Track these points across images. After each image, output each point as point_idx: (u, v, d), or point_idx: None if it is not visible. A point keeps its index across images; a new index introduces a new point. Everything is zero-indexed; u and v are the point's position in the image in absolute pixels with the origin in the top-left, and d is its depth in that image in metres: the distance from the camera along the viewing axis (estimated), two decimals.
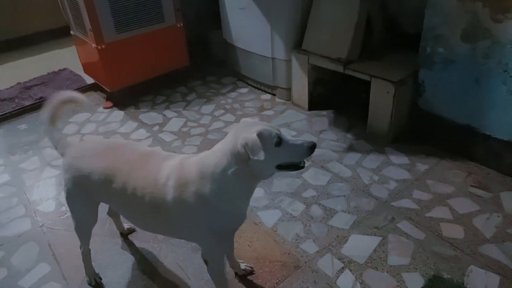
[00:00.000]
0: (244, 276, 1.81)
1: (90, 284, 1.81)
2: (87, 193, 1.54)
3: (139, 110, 3.39)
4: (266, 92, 3.54)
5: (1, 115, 3.37)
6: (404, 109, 2.67)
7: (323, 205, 2.21)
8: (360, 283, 1.75)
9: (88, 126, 3.18)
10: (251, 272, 1.82)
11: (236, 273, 1.81)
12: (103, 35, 3.05)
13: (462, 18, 2.19)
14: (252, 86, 3.65)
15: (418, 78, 2.57)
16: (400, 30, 2.93)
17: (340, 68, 2.78)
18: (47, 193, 2.45)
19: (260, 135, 1.22)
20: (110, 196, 1.50)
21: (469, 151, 2.46)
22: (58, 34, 5.04)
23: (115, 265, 1.93)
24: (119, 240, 2.07)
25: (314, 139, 2.80)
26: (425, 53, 2.46)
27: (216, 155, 1.31)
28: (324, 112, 3.15)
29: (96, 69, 3.37)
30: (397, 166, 2.48)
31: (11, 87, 3.84)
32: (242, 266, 1.81)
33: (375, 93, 2.64)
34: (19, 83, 3.90)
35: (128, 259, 1.96)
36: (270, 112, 3.24)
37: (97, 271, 1.85)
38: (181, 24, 3.50)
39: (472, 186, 2.28)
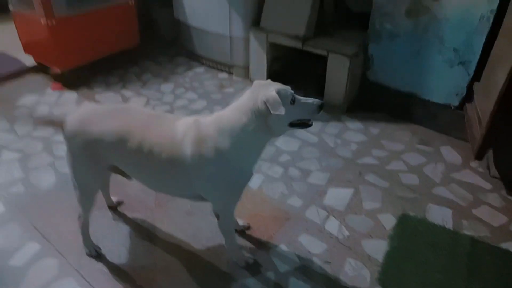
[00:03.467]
0: (242, 232, 1.95)
1: (90, 255, 1.80)
2: (96, 157, 1.53)
3: (92, 90, 3.26)
4: (222, 70, 3.64)
5: None
6: (355, 81, 3.00)
7: (298, 167, 2.42)
8: (344, 226, 2.00)
9: (40, 108, 2.98)
10: (248, 228, 1.96)
11: (235, 229, 1.94)
12: (54, 10, 2.87)
13: None
14: (208, 66, 3.72)
15: (367, 52, 2.90)
16: (347, 9, 3.25)
17: (298, 45, 3.01)
18: (12, 176, 2.29)
19: (278, 92, 1.35)
20: (123, 156, 1.51)
21: (412, 114, 2.87)
22: None
23: (112, 235, 1.93)
24: (108, 213, 2.06)
25: None
26: (374, 29, 2.79)
27: (234, 113, 1.41)
28: None
29: (43, 48, 3.15)
30: (354, 131, 2.80)
31: None
32: (240, 222, 1.95)
33: (331, 67, 2.92)
34: None
35: (124, 228, 1.97)
36: (231, 89, 3.36)
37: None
38: (133, 2, 3.42)
39: (417, 143, 2.68)
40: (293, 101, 1.38)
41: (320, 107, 1.42)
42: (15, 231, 1.94)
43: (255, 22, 3.23)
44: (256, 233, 1.96)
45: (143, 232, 1.96)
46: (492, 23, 2.31)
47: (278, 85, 1.41)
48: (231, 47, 3.41)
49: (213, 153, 1.42)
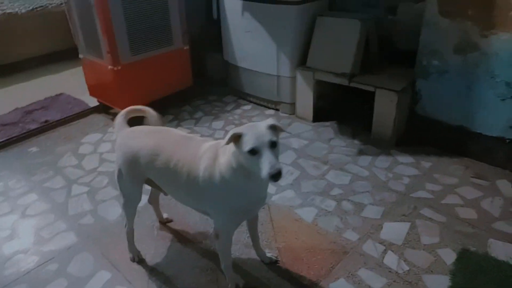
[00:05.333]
0: (273, 264, 1.99)
1: (133, 261, 2.00)
2: (135, 169, 1.76)
3: None
4: (269, 107, 3.79)
5: (9, 139, 3.33)
6: (404, 115, 3.03)
7: (351, 200, 2.45)
8: (403, 261, 1.99)
9: (103, 146, 3.23)
10: (277, 261, 2.00)
11: (262, 261, 2.00)
12: (120, 57, 3.18)
13: (454, 34, 2.61)
14: (255, 103, 3.90)
15: (415, 87, 2.95)
16: (391, 47, 3.35)
17: (345, 82, 3.11)
18: (83, 208, 2.48)
19: (244, 135, 1.37)
20: (155, 169, 1.71)
21: (464, 148, 2.84)
22: (47, 60, 5.06)
23: (156, 246, 2.04)
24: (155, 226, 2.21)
25: (324, 146, 3.08)
26: (421, 65, 2.85)
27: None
28: (328, 123, 3.45)
29: (107, 91, 3.45)
30: (405, 165, 2.80)
31: (10, 112, 3.80)
32: (268, 254, 2.00)
33: (379, 102, 2.98)
34: (17, 108, 3.87)
35: (167, 238, 2.13)
36: None
37: None
38: (187, 47, 3.71)
39: (472, 177, 2.64)
40: (252, 152, 1.35)
41: (273, 176, 1.31)
42: (88, 260, 2.08)
43: (301, 61, 3.39)
44: (314, 266, 1.99)
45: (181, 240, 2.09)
46: None
47: (253, 129, 1.38)
48: (278, 86, 3.58)
49: (217, 174, 1.53)
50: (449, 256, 2.00)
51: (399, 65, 3.20)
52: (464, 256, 1.99)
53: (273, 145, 1.36)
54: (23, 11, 4.78)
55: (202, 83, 4.27)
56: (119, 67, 3.21)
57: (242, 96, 4.00)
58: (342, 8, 3.55)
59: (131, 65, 3.29)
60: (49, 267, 2.05)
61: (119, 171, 1.82)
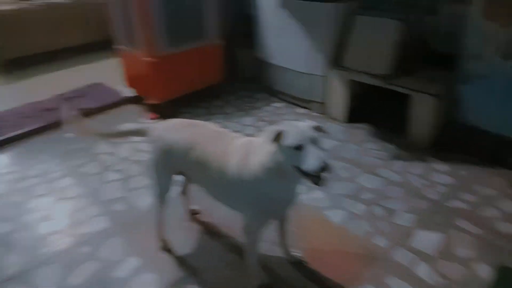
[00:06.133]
0: (298, 264, 1.96)
1: (162, 250, 2.05)
2: (169, 161, 1.79)
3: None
4: (300, 106, 3.76)
5: (48, 124, 3.45)
6: (441, 120, 2.93)
7: (382, 206, 2.39)
8: (436, 273, 1.92)
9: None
10: (304, 262, 1.97)
11: (288, 260, 1.98)
12: (156, 49, 3.23)
13: (500, 38, 2.48)
14: (286, 101, 3.87)
15: (455, 92, 2.83)
16: (429, 49, 3.23)
17: (381, 83, 3.03)
18: (116, 194, 2.55)
19: (286, 132, 1.39)
20: (188, 163, 1.73)
21: (504, 158, 2.71)
22: (87, 50, 5.23)
23: (186, 236, 2.06)
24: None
25: (357, 148, 3.01)
26: (463, 70, 2.74)
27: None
28: (360, 125, 3.38)
29: (144, 82, 3.52)
30: (440, 173, 2.71)
31: (50, 98, 3.95)
32: (294, 254, 1.98)
33: (416, 106, 2.89)
34: (57, 94, 4.01)
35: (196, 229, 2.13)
36: None
37: None
38: (221, 42, 3.72)
39: (510, 189, 2.51)
40: (297, 148, 1.36)
41: (321, 169, 1.31)
42: (119, 245, 2.13)
43: (334, 60, 3.33)
44: (340, 269, 1.95)
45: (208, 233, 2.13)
46: None
47: (296, 126, 1.40)
48: (310, 84, 3.54)
49: (248, 174, 1.52)
50: (485, 272, 1.92)
51: (436, 68, 3.08)
52: (504, 274, 1.90)
53: (317, 142, 1.38)
54: (66, 1, 4.96)
55: (233, 79, 4.28)
56: (156, 59, 3.26)
57: (274, 94, 3.98)
58: (378, 8, 3.44)
59: (167, 57, 3.33)
60: (82, 249, 2.12)
61: (154, 161, 1.85)
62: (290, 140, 1.37)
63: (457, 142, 2.93)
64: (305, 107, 3.71)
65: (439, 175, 2.68)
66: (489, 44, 2.55)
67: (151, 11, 3.06)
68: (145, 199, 2.49)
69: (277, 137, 1.40)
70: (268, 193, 1.55)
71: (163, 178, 1.89)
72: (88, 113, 3.65)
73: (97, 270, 1.98)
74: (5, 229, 2.28)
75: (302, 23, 3.35)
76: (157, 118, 3.55)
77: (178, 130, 1.81)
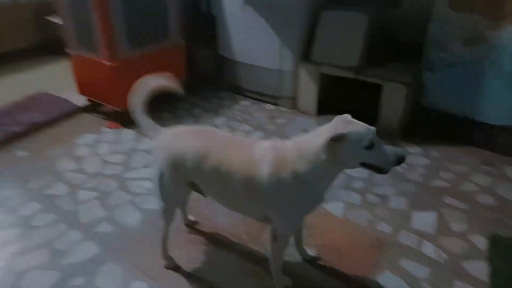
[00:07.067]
0: (313, 262, 1.95)
1: (169, 268, 1.89)
2: (179, 172, 1.64)
3: None
4: (269, 102, 3.73)
5: None
6: (409, 107, 3.09)
7: (375, 193, 2.46)
8: (440, 249, 2.02)
9: (101, 147, 3.02)
10: (319, 258, 1.96)
11: (304, 259, 1.95)
12: (118, 52, 2.98)
13: (463, 27, 2.68)
14: (253, 98, 3.82)
15: (421, 80, 3.01)
16: (394, 40, 3.40)
17: (352, 75, 3.12)
18: (96, 214, 2.30)
19: (350, 134, 1.35)
20: (203, 173, 1.59)
21: (469, 137, 2.95)
22: (28, 55, 4.68)
23: (188, 250, 1.95)
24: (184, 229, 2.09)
25: None
26: (429, 58, 2.91)
27: (314, 140, 1.43)
28: (331, 116, 3.42)
29: (102, 88, 3.23)
30: (415, 155, 2.86)
31: None
32: (310, 252, 1.96)
33: (387, 94, 3.02)
34: None
35: (198, 241, 2.04)
36: (282, 120, 3.44)
37: None
38: (183, 41, 3.55)
39: (481, 165, 2.74)
40: (369, 147, 1.36)
41: (398, 162, 1.38)
42: (116, 271, 1.92)
43: (304, 55, 3.36)
44: (356, 260, 1.97)
45: (214, 243, 2.03)
46: None
47: (358, 126, 1.39)
48: (279, 80, 3.52)
49: (290, 175, 1.46)
50: (481, 242, 2.06)
51: (403, 58, 3.25)
52: (496, 241, 2.06)
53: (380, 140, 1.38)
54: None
55: (195, 79, 4.12)
56: (117, 63, 3.01)
57: (239, 92, 3.90)
58: (343, 2, 3.54)
59: (128, 60, 3.09)
60: (73, 282, 1.87)
61: (161, 174, 1.68)
62: (362, 141, 1.34)
63: (424, 126, 3.12)
64: (274, 103, 3.70)
65: (416, 158, 2.83)
66: (452, 32, 2.74)
67: (112, 11, 2.80)
68: (133, 216, 2.28)
69: (337, 140, 1.34)
70: (311, 196, 1.50)
71: (172, 191, 1.73)
72: (34, 128, 3.26)
73: None
74: None
75: (270, 19, 3.31)
76: (117, 127, 3.29)
77: (187, 138, 1.66)
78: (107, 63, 2.99)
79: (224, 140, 1.63)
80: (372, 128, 1.38)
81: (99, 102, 3.43)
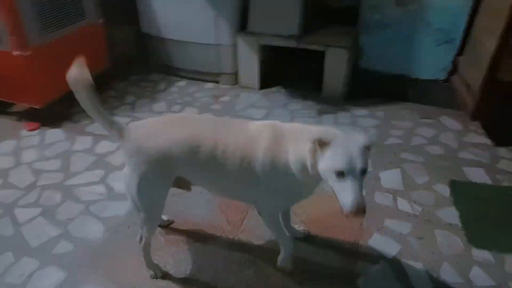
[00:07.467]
0: (305, 239, 1.93)
1: (156, 277, 1.70)
2: (166, 170, 1.45)
3: (78, 123, 2.89)
4: (207, 81, 3.52)
5: None
6: (350, 70, 3.18)
7: None
8: (414, 203, 2.14)
9: (26, 154, 2.56)
10: (309, 234, 1.95)
11: (296, 238, 1.91)
12: (28, 39, 2.49)
13: None
14: (189, 78, 3.57)
15: (358, 43, 3.10)
16: (324, 6, 3.42)
17: (293, 44, 3.07)
18: (47, 234, 1.94)
19: (330, 144, 1.23)
20: (195, 164, 1.44)
21: (405, 94, 3.16)
22: None
23: (170, 252, 1.79)
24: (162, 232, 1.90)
25: (285, 112, 3.05)
26: (364, 21, 3.00)
27: (307, 134, 1.32)
28: (274, 89, 3.40)
29: (11, 84, 2.69)
30: (363, 117, 2.98)
31: None
32: (299, 229, 1.93)
33: (330, 60, 3.05)
34: None
35: (179, 241, 1.88)
36: (226, 98, 3.28)
37: None
38: (102, 20, 3.12)
39: (420, 118, 2.96)
40: (339, 175, 1.20)
41: (356, 210, 1.19)
42: None
43: (241, 27, 3.20)
44: (345, 229, 1.99)
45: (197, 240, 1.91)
46: (473, 3, 2.67)
47: (351, 152, 1.21)
48: (217, 56, 3.33)
49: (282, 166, 1.38)
50: (445, 190, 2.24)
51: (334, 23, 3.29)
52: (455, 187, 2.25)
53: (363, 173, 1.21)
54: None
55: (117, 62, 3.69)
56: (28, 52, 2.51)
57: (171, 72, 3.61)
58: None
59: (41, 48, 2.61)
60: None
61: (141, 180, 1.43)
62: (334, 162, 1.20)
63: (365, 88, 3.25)
64: (213, 81, 3.50)
65: (364, 120, 2.94)
66: None
67: None
68: (92, 227, 1.99)
69: (321, 143, 1.23)
70: (298, 189, 1.46)
71: (157, 195, 1.51)
72: None
73: None
74: None
75: None
76: (38, 128, 2.81)
77: (169, 130, 1.45)
78: (16, 53, 2.48)
79: (211, 123, 1.50)
80: (358, 157, 1.20)
81: (9, 101, 2.88)
